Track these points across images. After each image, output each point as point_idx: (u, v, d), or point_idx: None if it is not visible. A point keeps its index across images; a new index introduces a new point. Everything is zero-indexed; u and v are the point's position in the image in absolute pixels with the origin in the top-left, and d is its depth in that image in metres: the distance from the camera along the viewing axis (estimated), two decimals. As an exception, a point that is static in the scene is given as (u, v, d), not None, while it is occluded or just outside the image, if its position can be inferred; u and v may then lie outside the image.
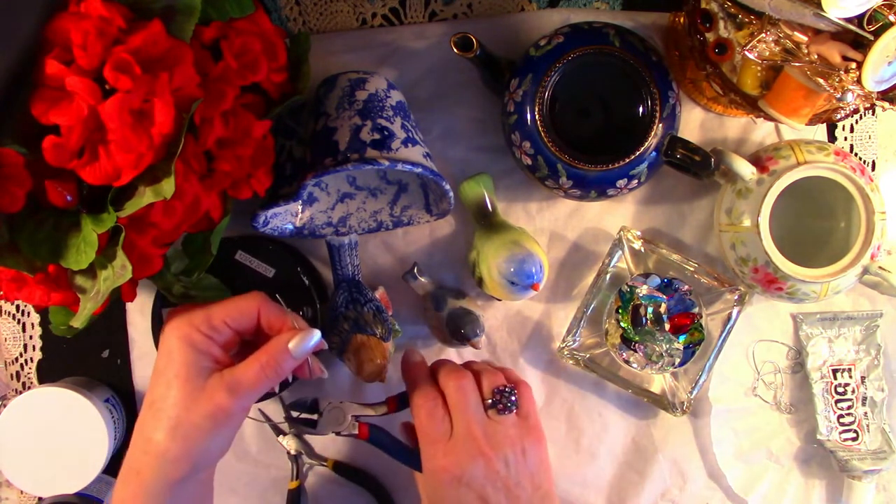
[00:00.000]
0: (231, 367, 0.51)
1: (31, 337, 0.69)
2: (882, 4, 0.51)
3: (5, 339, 0.69)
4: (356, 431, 0.59)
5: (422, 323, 0.69)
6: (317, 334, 0.52)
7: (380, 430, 0.59)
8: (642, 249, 0.67)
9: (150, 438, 0.50)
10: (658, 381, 0.69)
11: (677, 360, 0.65)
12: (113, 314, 0.68)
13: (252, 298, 0.54)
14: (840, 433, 0.70)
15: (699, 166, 0.59)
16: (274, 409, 0.69)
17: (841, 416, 0.70)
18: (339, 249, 0.65)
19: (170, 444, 0.49)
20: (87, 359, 0.69)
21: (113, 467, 0.66)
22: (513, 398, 0.56)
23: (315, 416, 0.59)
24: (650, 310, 0.64)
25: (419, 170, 0.57)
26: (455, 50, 0.58)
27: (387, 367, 0.62)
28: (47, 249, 0.48)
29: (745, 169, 0.61)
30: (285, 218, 0.62)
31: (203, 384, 0.50)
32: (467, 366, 0.59)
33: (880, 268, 0.61)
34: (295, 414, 0.59)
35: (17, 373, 0.69)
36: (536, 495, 0.54)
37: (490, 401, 0.55)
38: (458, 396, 0.55)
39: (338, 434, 0.59)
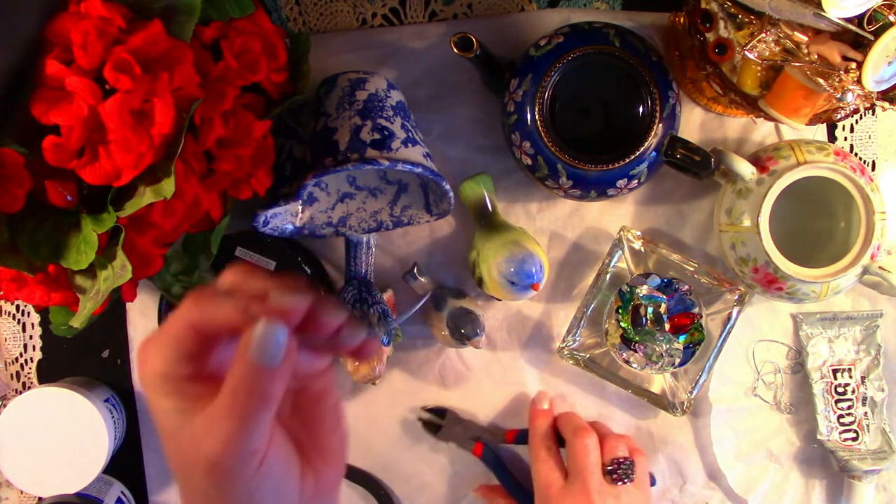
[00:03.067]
0: (210, 405, 0.34)
1: (31, 337, 0.69)
2: (882, 4, 0.51)
3: (5, 339, 0.69)
4: (472, 448, 0.68)
5: (422, 323, 0.69)
6: (262, 326, 0.33)
7: (491, 451, 0.68)
8: (642, 249, 0.67)
9: None
10: (658, 381, 0.69)
11: (677, 360, 0.65)
12: (113, 314, 0.68)
13: (174, 320, 0.35)
14: (840, 433, 0.70)
15: (699, 166, 0.59)
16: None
17: (841, 416, 0.70)
18: (357, 246, 0.65)
19: None
20: (87, 359, 0.69)
21: (113, 467, 0.67)
22: (631, 472, 0.60)
23: (441, 422, 0.68)
24: (650, 310, 0.64)
25: (419, 170, 0.57)
26: (455, 50, 0.58)
27: (382, 372, 0.62)
28: (47, 249, 0.48)
29: (745, 169, 0.61)
30: (285, 218, 0.62)
31: (185, 434, 0.35)
32: (593, 426, 0.63)
33: (880, 268, 0.61)
34: (425, 416, 0.65)
35: (17, 373, 0.69)
36: None
37: (609, 468, 0.60)
38: (583, 455, 0.60)
39: (455, 444, 0.68)
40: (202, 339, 0.35)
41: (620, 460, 0.60)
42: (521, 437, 0.67)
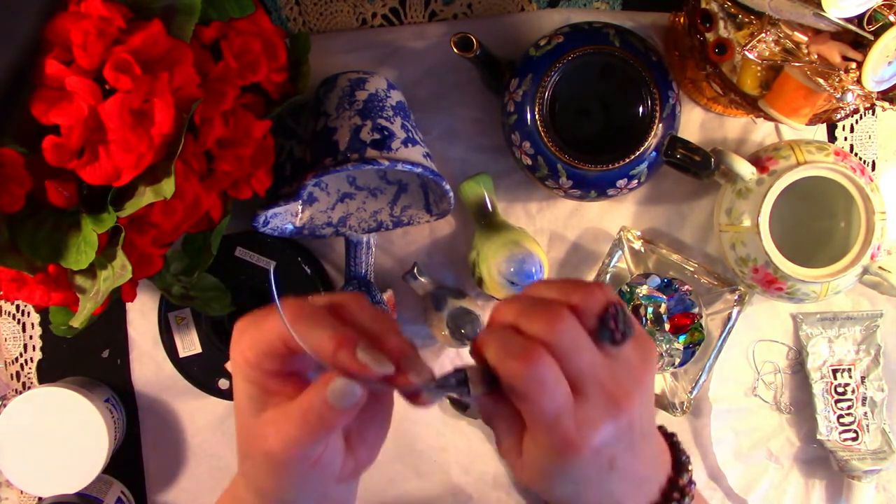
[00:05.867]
0: (283, 406, 0.38)
1: (31, 337, 0.69)
2: (882, 4, 0.51)
3: (5, 339, 0.69)
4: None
5: (422, 323, 0.69)
6: (343, 385, 0.37)
7: None
8: (642, 249, 0.67)
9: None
10: (658, 381, 0.69)
11: (677, 360, 0.65)
12: (113, 314, 0.68)
13: (270, 328, 0.38)
14: (840, 433, 0.70)
15: (699, 166, 0.59)
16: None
17: (841, 416, 0.70)
18: (357, 246, 0.65)
19: (250, 477, 0.41)
20: (87, 359, 0.69)
21: (113, 467, 0.67)
22: (627, 318, 0.40)
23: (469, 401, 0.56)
24: (650, 310, 0.64)
25: (419, 170, 0.57)
26: (455, 50, 0.58)
27: None
28: (47, 249, 0.48)
29: (745, 169, 0.61)
30: (285, 218, 0.62)
31: (254, 421, 0.39)
32: (537, 292, 0.41)
33: (880, 268, 0.61)
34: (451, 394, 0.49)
35: (17, 373, 0.69)
36: (651, 439, 0.42)
37: (602, 332, 0.39)
38: (568, 345, 0.38)
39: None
40: (291, 350, 0.38)
41: (608, 313, 0.39)
42: (488, 379, 0.53)
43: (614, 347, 0.39)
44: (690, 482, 0.43)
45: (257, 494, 0.41)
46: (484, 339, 0.39)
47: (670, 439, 0.45)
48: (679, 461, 0.44)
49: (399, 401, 0.65)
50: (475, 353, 0.40)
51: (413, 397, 0.38)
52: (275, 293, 0.37)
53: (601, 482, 0.39)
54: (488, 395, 0.39)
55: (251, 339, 0.39)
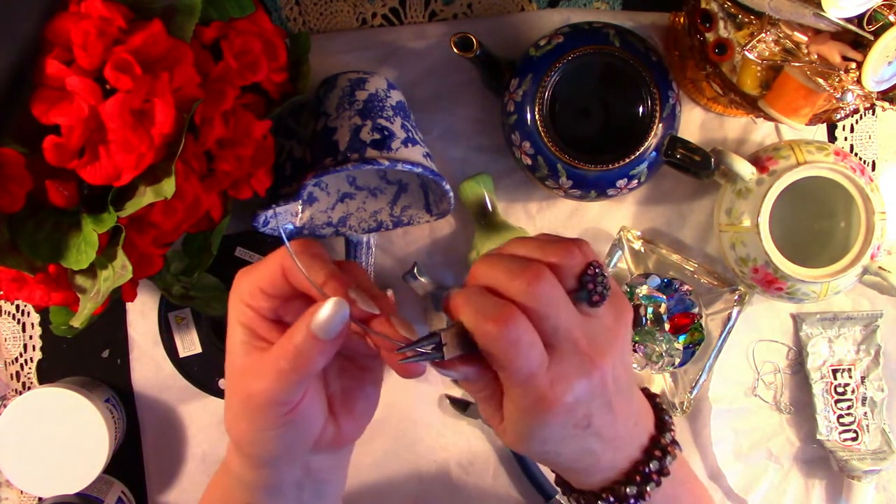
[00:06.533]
0: (269, 348, 0.40)
1: (31, 337, 0.69)
2: (882, 4, 0.51)
3: (5, 339, 0.69)
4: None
5: (422, 323, 0.69)
6: (332, 304, 0.38)
7: None
8: (642, 249, 0.67)
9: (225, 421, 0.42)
10: (658, 381, 0.69)
11: (677, 360, 0.65)
12: (113, 314, 0.68)
13: (273, 259, 0.41)
14: (840, 433, 0.70)
15: (699, 166, 0.59)
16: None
17: (841, 416, 0.70)
18: (357, 246, 0.65)
19: (230, 427, 0.41)
20: (87, 359, 0.69)
21: (113, 467, 0.67)
22: (605, 280, 0.40)
23: (470, 400, 0.54)
24: (650, 310, 0.64)
25: (419, 170, 0.57)
26: (455, 50, 0.58)
27: None
28: (48, 249, 0.48)
29: (745, 169, 0.61)
30: (285, 218, 0.62)
31: (241, 363, 0.41)
32: (517, 250, 0.41)
33: (880, 268, 0.61)
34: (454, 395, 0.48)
35: (17, 373, 0.69)
36: (631, 398, 0.42)
37: (580, 292, 0.39)
38: (545, 304, 0.38)
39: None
40: (288, 286, 0.40)
41: (587, 273, 0.39)
42: (465, 343, 0.48)
43: (591, 308, 0.39)
44: (674, 442, 0.43)
45: (237, 449, 0.42)
46: (459, 299, 0.39)
47: (652, 400, 0.46)
48: (662, 420, 0.44)
49: (400, 400, 0.65)
50: (450, 313, 0.40)
51: (398, 365, 0.39)
52: (282, 232, 0.37)
53: (579, 440, 0.40)
54: (465, 361, 0.39)
55: (251, 276, 0.41)
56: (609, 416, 0.40)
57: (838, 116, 0.60)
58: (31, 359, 0.69)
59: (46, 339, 0.69)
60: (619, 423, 0.41)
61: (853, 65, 0.52)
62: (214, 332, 0.66)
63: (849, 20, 0.51)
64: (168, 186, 0.46)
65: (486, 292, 0.38)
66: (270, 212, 0.59)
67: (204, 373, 0.66)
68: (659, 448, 0.42)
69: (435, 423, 0.70)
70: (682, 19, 0.64)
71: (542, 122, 0.59)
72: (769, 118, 0.59)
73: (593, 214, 0.70)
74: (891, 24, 0.51)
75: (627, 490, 0.41)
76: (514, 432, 0.40)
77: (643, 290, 0.64)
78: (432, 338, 0.38)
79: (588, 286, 0.39)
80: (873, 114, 0.71)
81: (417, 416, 0.70)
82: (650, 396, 0.46)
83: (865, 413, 0.71)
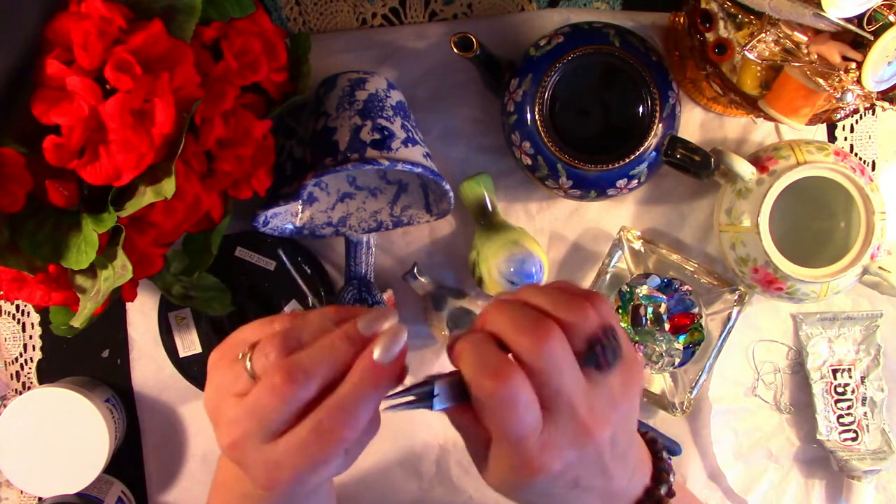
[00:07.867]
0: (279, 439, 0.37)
1: (31, 337, 0.69)
2: (882, 4, 0.51)
3: (5, 339, 0.69)
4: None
5: (422, 323, 0.69)
6: (395, 329, 0.37)
7: None
8: (642, 249, 0.67)
9: None
10: (658, 381, 0.69)
11: (677, 361, 0.65)
12: (113, 314, 0.68)
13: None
14: (840, 433, 0.70)
15: (699, 166, 0.60)
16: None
17: (841, 416, 0.70)
18: (357, 246, 0.65)
19: (253, 474, 0.39)
20: (87, 359, 0.69)
21: (113, 467, 0.67)
22: (617, 346, 0.38)
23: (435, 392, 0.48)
24: (650, 310, 0.64)
25: (419, 170, 0.57)
26: (455, 50, 0.58)
27: None
28: (48, 249, 0.48)
29: (745, 169, 0.61)
30: (285, 218, 0.62)
31: (262, 457, 0.38)
32: (531, 299, 0.38)
33: (880, 268, 0.61)
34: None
35: (17, 373, 0.69)
36: (628, 456, 0.40)
37: (588, 356, 0.37)
38: (550, 365, 0.36)
39: None
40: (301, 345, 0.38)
41: (599, 337, 0.37)
42: (457, 392, 0.46)
43: (600, 373, 0.37)
44: (669, 493, 0.42)
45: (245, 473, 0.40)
46: (462, 347, 0.37)
47: (653, 447, 0.44)
48: (659, 470, 0.43)
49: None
50: (451, 357, 0.38)
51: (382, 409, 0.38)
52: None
53: (566, 498, 0.39)
54: (457, 410, 0.38)
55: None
56: (601, 478, 0.39)
57: (838, 116, 0.60)
58: (31, 359, 0.69)
59: (46, 339, 0.69)
60: (612, 482, 0.39)
61: (853, 65, 0.52)
62: (214, 333, 0.66)
63: (848, 20, 0.51)
64: (168, 186, 0.46)
65: (491, 342, 0.37)
66: (270, 212, 0.59)
67: (204, 373, 0.65)
68: (653, 500, 0.41)
69: (435, 423, 0.70)
70: (682, 19, 0.64)
71: (542, 122, 0.59)
72: (769, 118, 0.59)
73: (593, 214, 0.70)
74: (891, 24, 0.51)
75: None
76: (497, 482, 0.39)
77: (643, 290, 0.64)
78: (426, 385, 0.37)
79: (597, 351, 0.37)
80: (873, 114, 0.71)
81: (417, 416, 0.70)
82: (650, 442, 0.44)
83: (865, 413, 0.71)
